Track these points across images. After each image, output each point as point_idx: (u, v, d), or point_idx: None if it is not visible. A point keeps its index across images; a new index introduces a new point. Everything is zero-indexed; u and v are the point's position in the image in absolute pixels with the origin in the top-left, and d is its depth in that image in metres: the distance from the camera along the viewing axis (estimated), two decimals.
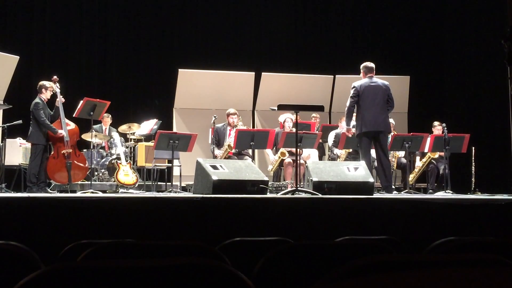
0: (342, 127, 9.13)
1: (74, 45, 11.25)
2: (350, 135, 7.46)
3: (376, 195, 6.45)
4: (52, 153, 7.63)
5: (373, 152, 7.53)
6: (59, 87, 7.73)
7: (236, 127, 8.59)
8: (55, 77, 7.80)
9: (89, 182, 8.06)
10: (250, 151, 8.36)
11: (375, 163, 7.80)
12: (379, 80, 7.40)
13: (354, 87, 7.31)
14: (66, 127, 7.64)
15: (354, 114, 7.94)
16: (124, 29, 11.56)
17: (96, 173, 8.91)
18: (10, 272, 1.83)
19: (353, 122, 8.53)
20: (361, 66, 7.50)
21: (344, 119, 9.34)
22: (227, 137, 8.63)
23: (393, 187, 7.55)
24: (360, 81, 7.37)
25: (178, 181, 8.99)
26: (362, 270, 1.43)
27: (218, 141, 8.62)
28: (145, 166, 9.32)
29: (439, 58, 11.87)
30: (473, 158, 9.29)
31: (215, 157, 8.41)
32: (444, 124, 8.74)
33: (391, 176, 7.62)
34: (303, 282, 1.98)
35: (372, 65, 7.44)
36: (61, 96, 7.68)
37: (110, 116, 9.68)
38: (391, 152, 8.99)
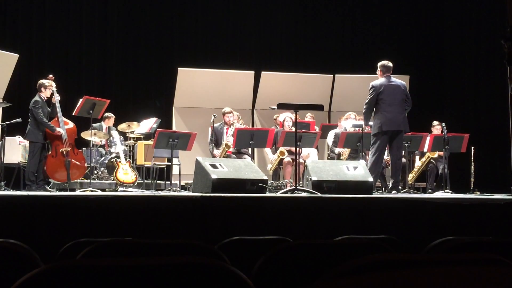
0: (342, 127, 9.14)
1: (74, 43, 11.24)
2: (357, 122, 7.46)
3: (375, 195, 6.45)
4: (51, 152, 7.63)
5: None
6: (55, 85, 7.73)
7: (232, 125, 8.60)
8: (50, 75, 7.80)
9: (88, 181, 8.06)
10: (249, 150, 8.36)
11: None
12: (397, 80, 7.42)
13: (372, 86, 7.28)
14: (64, 126, 7.64)
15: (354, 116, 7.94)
16: (124, 28, 11.56)
17: (95, 172, 8.91)
18: (9, 270, 1.83)
19: (353, 122, 8.54)
20: (379, 64, 7.46)
21: (343, 118, 9.36)
22: (225, 136, 8.64)
23: (400, 187, 7.57)
24: (378, 80, 7.34)
25: (178, 179, 9.00)
26: (361, 269, 1.43)
27: (216, 141, 8.63)
28: (144, 164, 9.32)
29: (439, 57, 11.87)
30: (472, 158, 9.29)
31: (213, 157, 8.42)
32: (443, 124, 8.73)
33: (400, 175, 7.65)
34: (302, 281, 1.98)
35: (390, 64, 7.42)
36: (58, 95, 7.69)
37: (113, 117, 9.65)
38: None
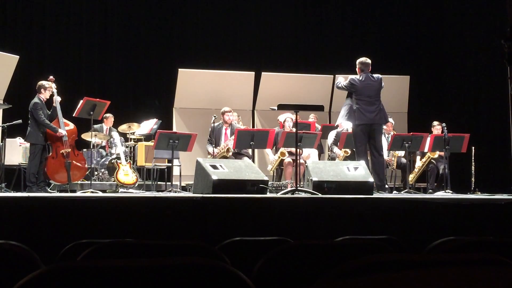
0: (342, 127, 9.14)
1: (74, 44, 11.25)
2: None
3: (376, 195, 6.45)
4: (51, 153, 7.63)
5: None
6: (55, 87, 7.73)
7: (232, 125, 8.61)
8: (51, 77, 7.80)
9: (89, 182, 8.06)
10: (250, 150, 8.36)
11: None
12: (374, 76, 7.32)
13: (351, 83, 7.24)
14: (64, 127, 7.65)
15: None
16: (124, 29, 11.56)
17: (96, 173, 8.90)
18: (10, 271, 1.83)
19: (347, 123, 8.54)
20: (357, 61, 7.40)
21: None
22: (223, 136, 8.64)
23: (386, 186, 7.51)
24: (358, 77, 7.30)
25: (178, 180, 8.99)
26: (362, 269, 1.43)
27: (213, 140, 8.63)
28: (145, 165, 9.32)
29: (439, 58, 11.87)
30: (473, 158, 9.29)
31: (208, 153, 8.44)
32: (443, 124, 8.73)
33: (384, 174, 7.59)
34: (303, 282, 1.98)
35: (368, 61, 7.35)
36: (58, 96, 7.69)
37: (112, 117, 9.65)
38: (391, 151, 8.99)
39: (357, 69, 7.39)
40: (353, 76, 7.34)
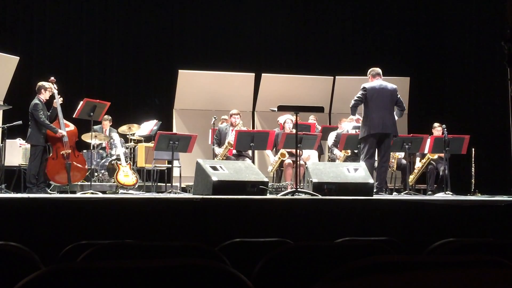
0: (342, 128, 9.14)
1: (74, 45, 11.25)
2: (358, 124, 7.60)
3: (375, 196, 6.45)
4: (51, 154, 7.64)
5: None
6: (56, 88, 7.73)
7: (237, 126, 8.64)
8: (52, 78, 7.80)
9: (89, 183, 8.06)
10: (250, 152, 8.37)
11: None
12: (388, 84, 7.48)
13: (364, 88, 7.40)
14: (65, 128, 7.65)
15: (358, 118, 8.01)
16: (124, 30, 11.56)
17: (96, 174, 8.90)
18: (10, 272, 1.83)
19: (354, 124, 8.58)
20: (369, 71, 7.61)
21: (344, 120, 9.38)
22: (229, 136, 8.66)
23: (383, 188, 7.60)
24: (370, 83, 7.46)
25: (178, 182, 9.00)
26: (362, 271, 1.43)
27: (219, 140, 8.67)
28: (145, 167, 9.32)
29: (439, 59, 11.87)
30: (473, 159, 9.29)
31: (215, 155, 8.44)
32: (444, 125, 8.74)
33: (385, 179, 7.73)
34: (303, 283, 1.98)
35: (378, 69, 7.58)
36: (59, 97, 7.69)
37: (110, 118, 9.64)
38: (391, 153, 9.00)
39: (369, 79, 7.52)
40: (365, 83, 7.46)
